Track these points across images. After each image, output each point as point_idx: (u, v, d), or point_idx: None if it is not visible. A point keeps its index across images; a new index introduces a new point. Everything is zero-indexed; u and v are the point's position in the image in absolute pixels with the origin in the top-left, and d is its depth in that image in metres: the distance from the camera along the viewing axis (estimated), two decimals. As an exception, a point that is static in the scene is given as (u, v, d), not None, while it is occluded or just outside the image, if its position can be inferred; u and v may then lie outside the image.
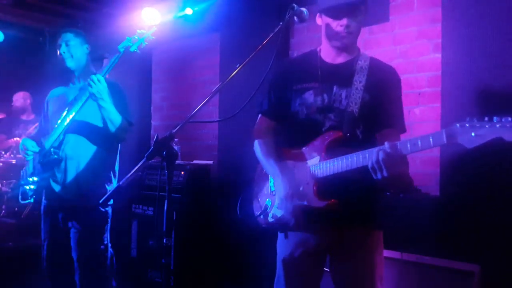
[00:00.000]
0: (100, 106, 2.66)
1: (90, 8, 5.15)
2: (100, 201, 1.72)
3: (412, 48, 3.36)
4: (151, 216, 4.01)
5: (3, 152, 5.55)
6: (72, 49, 2.86)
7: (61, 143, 2.76)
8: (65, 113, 2.75)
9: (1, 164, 5.34)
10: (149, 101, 5.31)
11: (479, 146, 1.47)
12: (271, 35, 1.87)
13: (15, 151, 5.55)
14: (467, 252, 2.60)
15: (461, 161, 2.76)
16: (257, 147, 2.17)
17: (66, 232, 2.82)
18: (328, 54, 2.05)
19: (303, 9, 1.91)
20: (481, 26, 2.77)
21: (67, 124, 2.71)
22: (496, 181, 2.64)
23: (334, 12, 1.91)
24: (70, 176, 2.78)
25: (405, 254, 2.67)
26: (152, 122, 5.40)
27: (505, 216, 2.58)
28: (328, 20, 1.94)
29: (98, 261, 2.84)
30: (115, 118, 2.69)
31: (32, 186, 2.80)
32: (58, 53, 2.88)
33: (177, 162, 2.20)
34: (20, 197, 2.90)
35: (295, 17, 1.93)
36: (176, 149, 1.72)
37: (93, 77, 2.63)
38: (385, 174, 1.65)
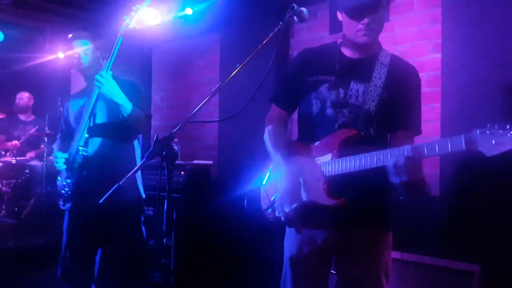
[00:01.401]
0: (113, 103, 2.59)
1: (90, 8, 5.15)
2: (100, 201, 1.72)
3: (412, 48, 3.35)
4: (151, 216, 4.01)
5: (3, 153, 5.56)
6: (91, 61, 2.78)
7: (86, 141, 2.69)
8: (85, 115, 2.69)
9: (1, 164, 5.35)
10: (149, 101, 5.31)
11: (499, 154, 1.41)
12: (271, 35, 1.86)
13: (15, 151, 5.57)
14: (467, 252, 2.59)
15: (461, 161, 2.76)
16: (267, 136, 2.10)
17: (95, 231, 2.73)
18: (348, 48, 1.98)
19: (303, 9, 1.90)
20: (481, 26, 2.77)
21: (89, 124, 2.66)
22: (496, 181, 2.64)
23: (354, 13, 1.83)
24: (98, 174, 2.69)
25: (405, 254, 2.67)
26: (152, 122, 5.40)
27: (505, 216, 2.58)
28: (348, 19, 1.86)
29: (137, 251, 2.75)
30: (129, 111, 2.63)
31: (67, 189, 2.73)
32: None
33: (177, 162, 2.20)
34: (61, 203, 2.84)
35: (295, 17, 1.91)
36: (176, 149, 1.72)
37: (98, 77, 2.53)
38: (404, 178, 1.60)
